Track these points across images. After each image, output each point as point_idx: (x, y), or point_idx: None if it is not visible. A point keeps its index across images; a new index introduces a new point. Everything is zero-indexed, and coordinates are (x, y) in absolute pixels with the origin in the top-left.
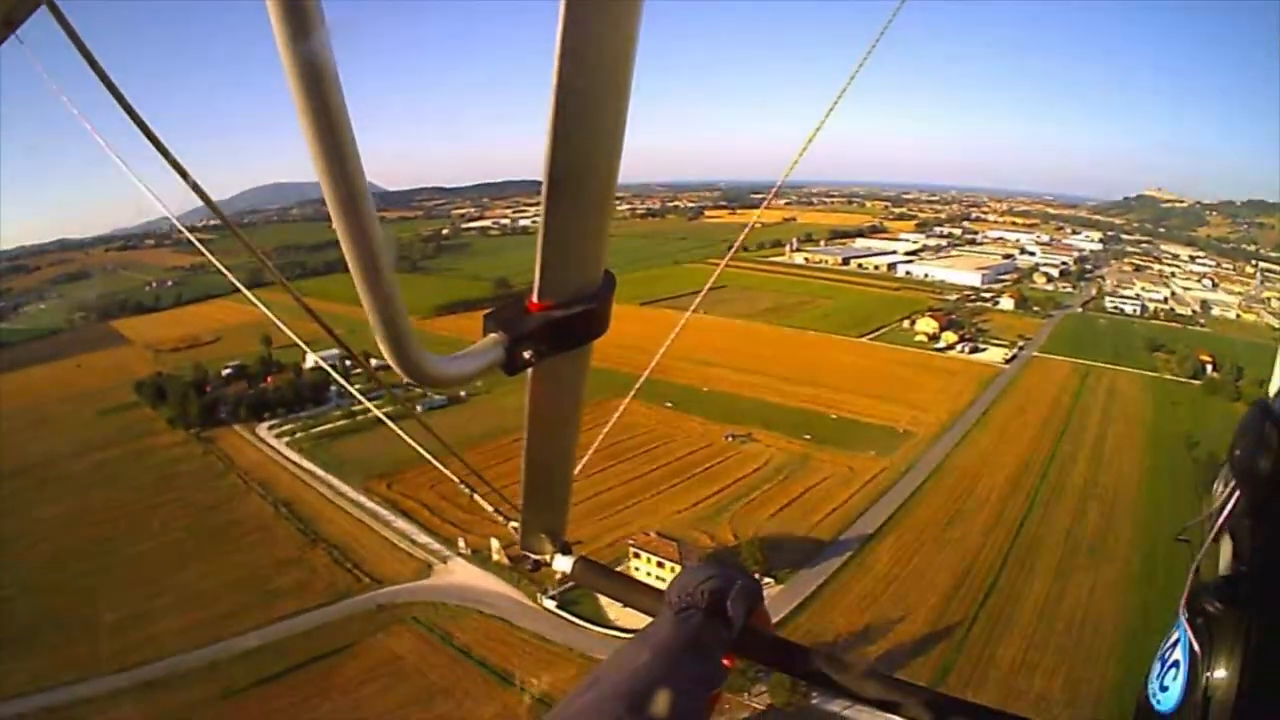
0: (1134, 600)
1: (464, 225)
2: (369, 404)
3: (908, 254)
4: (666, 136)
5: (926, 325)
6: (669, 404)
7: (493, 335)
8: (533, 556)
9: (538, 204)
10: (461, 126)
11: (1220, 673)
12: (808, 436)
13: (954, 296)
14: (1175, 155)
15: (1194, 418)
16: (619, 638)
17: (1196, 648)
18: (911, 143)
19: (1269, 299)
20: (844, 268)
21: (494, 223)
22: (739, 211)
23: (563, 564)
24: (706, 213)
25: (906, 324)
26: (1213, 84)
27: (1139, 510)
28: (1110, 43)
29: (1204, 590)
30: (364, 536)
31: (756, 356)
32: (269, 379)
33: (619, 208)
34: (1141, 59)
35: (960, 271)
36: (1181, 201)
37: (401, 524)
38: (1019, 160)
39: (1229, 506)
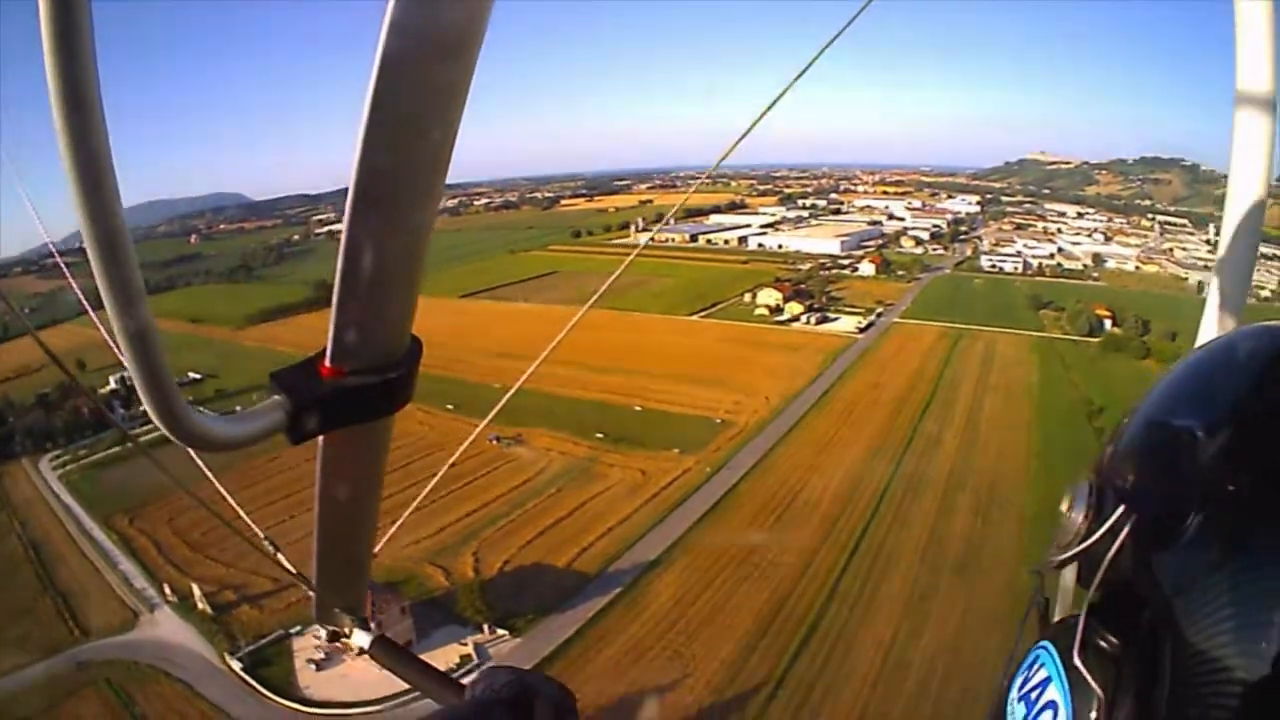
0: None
1: (318, 231)
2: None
3: (763, 227)
4: (533, 130)
5: (769, 297)
6: (450, 406)
7: (276, 398)
8: (330, 628)
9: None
10: (327, 132)
11: (1121, 715)
12: (600, 435)
13: (808, 266)
14: (1062, 118)
15: (1094, 380)
16: (308, 714)
17: (1094, 687)
18: (783, 122)
19: (1171, 249)
20: (691, 245)
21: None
22: (596, 199)
23: (360, 640)
24: (562, 202)
25: (748, 298)
26: (1102, 45)
27: (1025, 506)
28: (990, 10)
29: (1092, 621)
30: (90, 581)
31: (567, 344)
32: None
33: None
34: (1024, 25)
35: (820, 240)
36: (1068, 163)
37: (126, 565)
38: (893, 134)
39: (1122, 533)
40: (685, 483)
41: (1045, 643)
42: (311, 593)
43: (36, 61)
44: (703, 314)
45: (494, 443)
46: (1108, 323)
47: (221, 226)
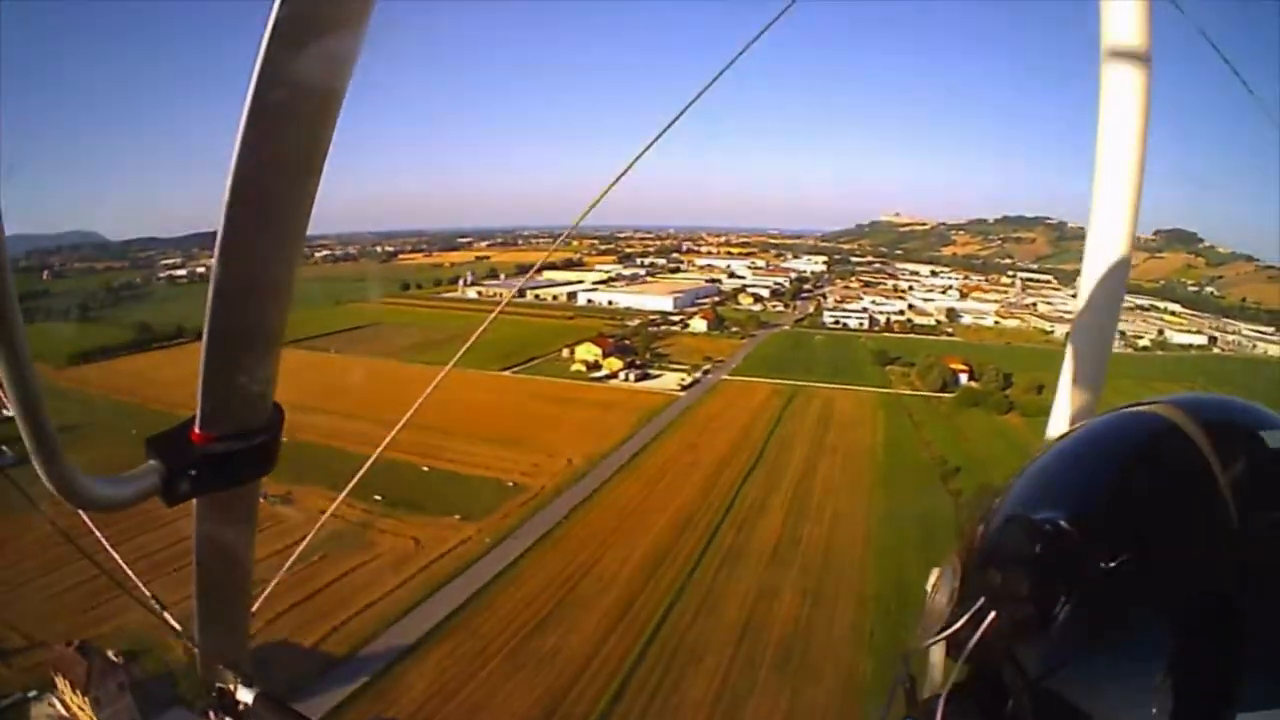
0: None
1: (159, 275)
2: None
3: (596, 283)
4: (380, 185)
5: (587, 353)
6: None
7: (151, 463)
8: (216, 685)
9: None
10: (178, 171)
11: None
12: (378, 497)
13: (637, 322)
14: (916, 181)
15: (948, 438)
16: None
17: None
18: (628, 184)
19: (1035, 304)
20: (518, 299)
21: (187, 271)
22: (435, 254)
23: (245, 695)
24: (401, 257)
25: (566, 353)
26: (960, 105)
27: (865, 585)
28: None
29: (956, 707)
30: None
31: (371, 398)
32: None
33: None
34: (881, 89)
35: (653, 297)
36: (924, 224)
37: None
38: (741, 198)
39: (982, 625)
40: (461, 554)
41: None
42: (195, 648)
43: None
44: (515, 369)
45: (264, 501)
46: (963, 377)
47: (74, 264)
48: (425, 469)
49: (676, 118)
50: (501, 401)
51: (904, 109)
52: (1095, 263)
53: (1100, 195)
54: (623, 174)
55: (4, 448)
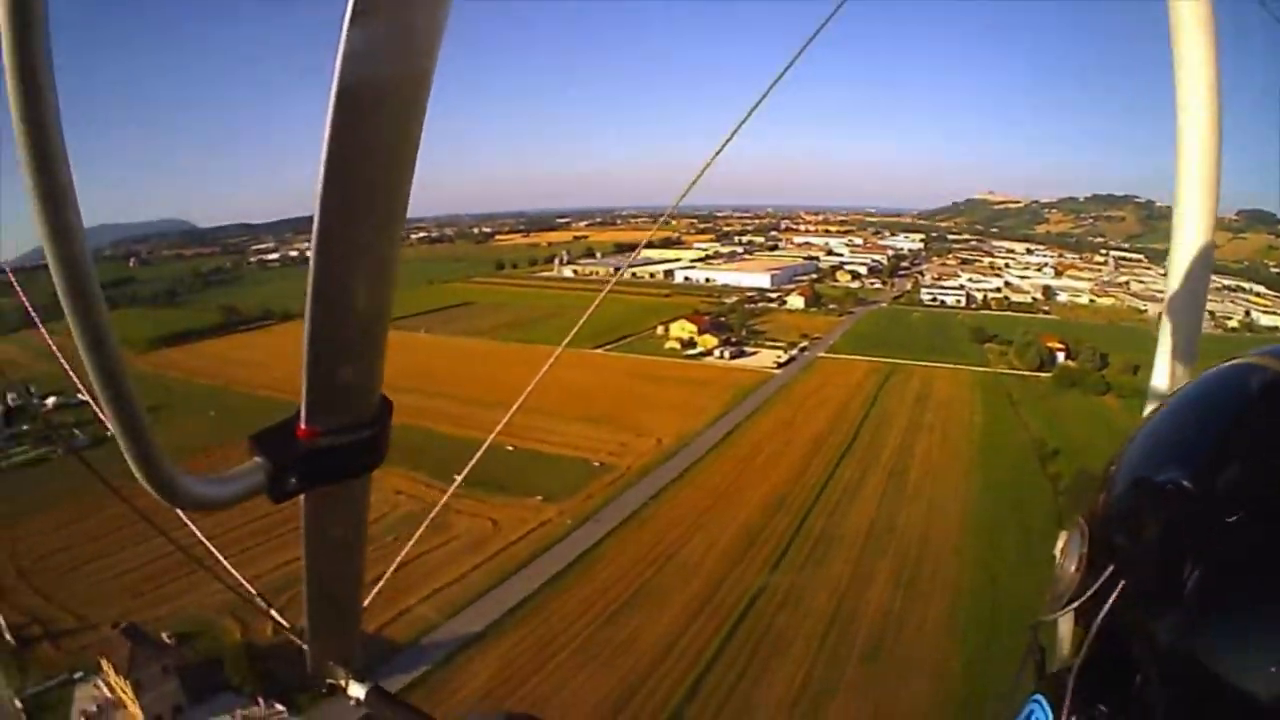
0: None
1: (250, 260)
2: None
3: (694, 261)
4: (478, 168)
5: (682, 330)
6: None
7: (256, 460)
8: (328, 680)
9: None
10: (272, 159)
11: None
12: (457, 477)
13: (733, 300)
14: (1011, 159)
15: (1045, 419)
16: None
17: None
18: (726, 164)
19: (1128, 282)
20: (612, 277)
21: (279, 255)
22: (533, 235)
23: (356, 690)
24: (497, 237)
25: (661, 330)
26: (1053, 86)
27: (963, 573)
28: (940, 52)
29: (1089, 685)
30: None
31: (459, 377)
32: None
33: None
34: (975, 67)
35: (750, 274)
36: (1017, 202)
37: None
38: (839, 178)
39: (1111, 596)
40: (540, 537)
41: (1039, 696)
42: (304, 646)
43: None
44: (609, 347)
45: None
46: (1060, 355)
47: (163, 252)
48: (510, 448)
49: (765, 94)
50: (592, 379)
51: (996, 88)
52: (1182, 243)
53: (1183, 175)
54: (718, 151)
55: (76, 431)
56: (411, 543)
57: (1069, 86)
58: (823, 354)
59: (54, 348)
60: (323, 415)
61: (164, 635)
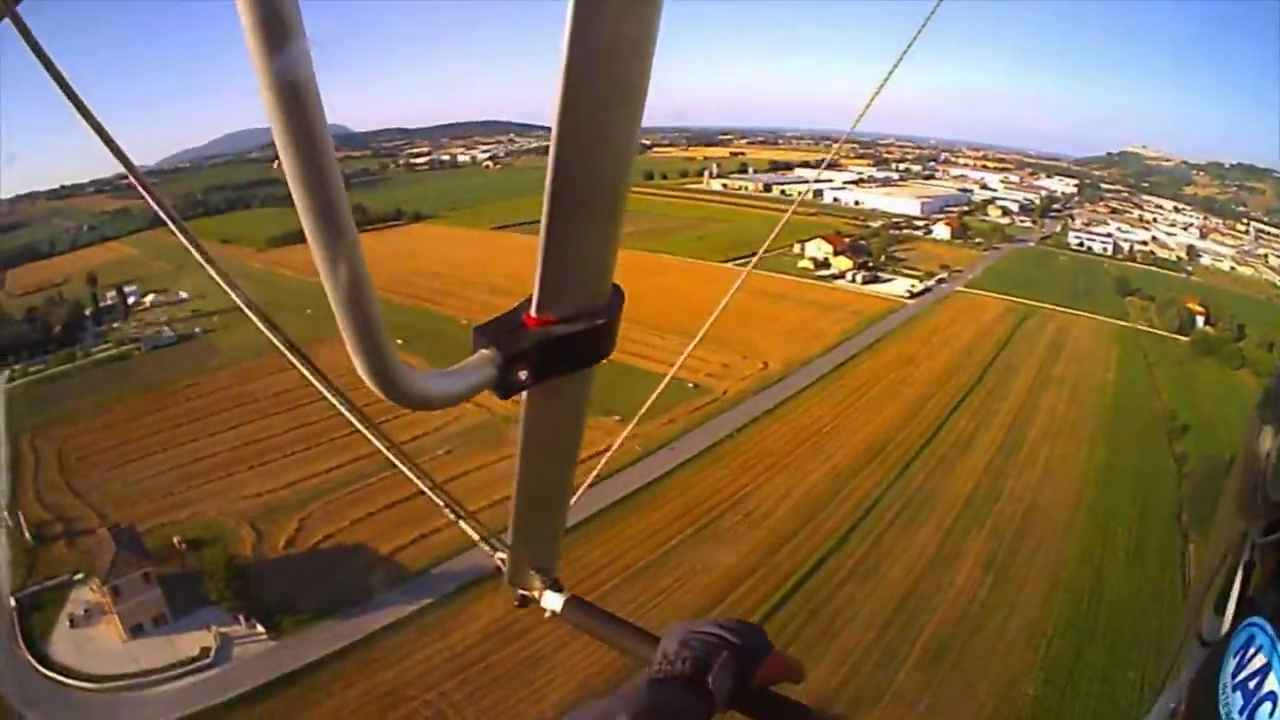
0: None
1: (398, 163)
2: (352, 417)
3: (846, 183)
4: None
5: (818, 249)
6: (400, 341)
7: (484, 352)
8: (520, 592)
9: (494, 144)
10: (433, 65)
11: None
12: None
13: (879, 224)
14: (1164, 113)
15: (1180, 388)
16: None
17: None
18: (894, 94)
19: (1266, 255)
20: (764, 194)
21: (428, 159)
22: (691, 149)
23: (552, 602)
24: (656, 149)
25: (797, 249)
26: (1205, 43)
27: (1065, 565)
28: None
29: None
30: None
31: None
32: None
33: None
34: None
35: (901, 200)
36: (1168, 160)
37: None
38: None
39: None
40: (605, 463)
41: (1258, 620)
42: (502, 555)
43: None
44: (738, 262)
45: None
46: (1200, 320)
47: None
48: (604, 362)
49: (925, 23)
50: (711, 294)
51: (1156, 40)
52: None
53: None
54: (884, 82)
55: (166, 328)
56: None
57: (1234, 50)
58: (960, 288)
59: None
60: (555, 303)
61: (175, 540)
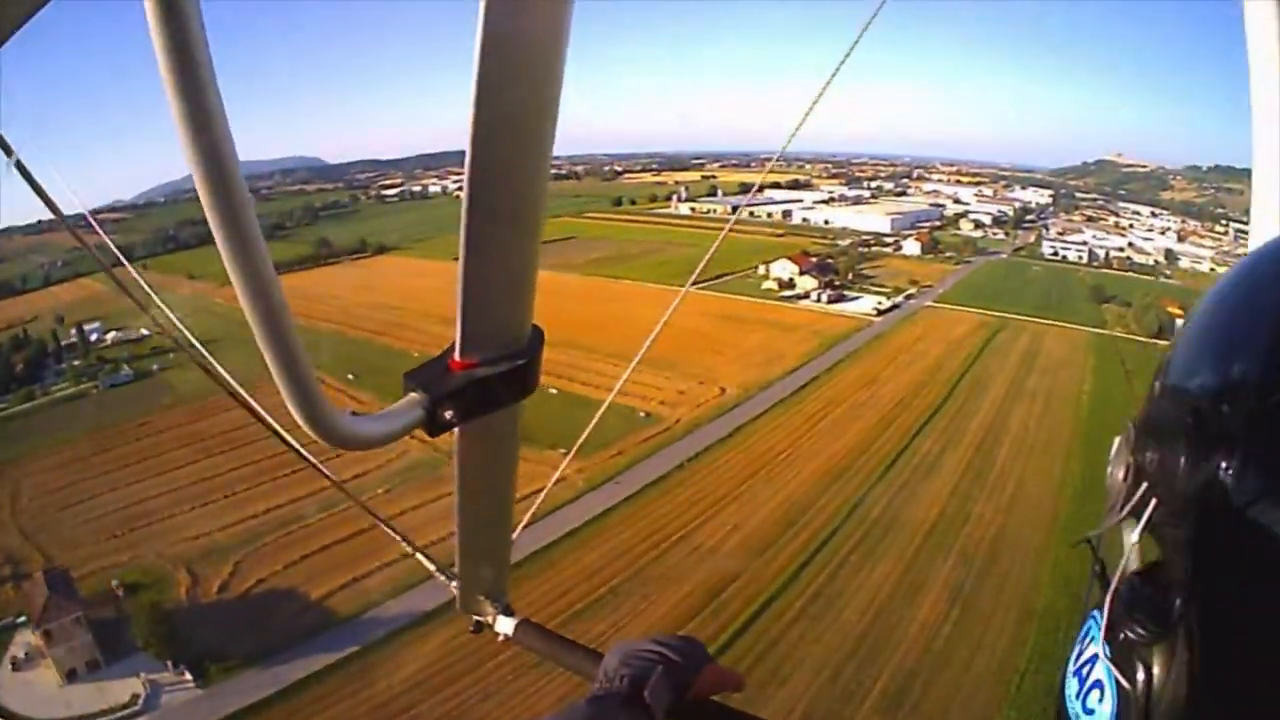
0: None
1: (368, 195)
2: (303, 452)
3: (816, 202)
4: (612, 107)
5: (783, 270)
6: (351, 376)
7: (413, 395)
8: (475, 618)
9: (462, 179)
10: (406, 95)
11: (1161, 706)
12: (563, 451)
13: (848, 242)
14: (1138, 122)
15: None
16: None
17: (1127, 677)
18: (865, 113)
19: (1244, 253)
20: (730, 216)
21: (398, 191)
22: (663, 174)
23: (504, 626)
24: (626, 175)
25: (762, 270)
26: (1173, 49)
27: (1040, 588)
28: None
29: (1129, 602)
30: None
31: (535, 314)
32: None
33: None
34: (1103, 25)
35: (871, 217)
36: (1144, 167)
37: None
38: (976, 132)
39: (1146, 514)
40: (549, 499)
41: (1095, 612)
42: (454, 583)
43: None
44: (702, 286)
45: None
46: (1179, 322)
47: (285, 188)
48: (553, 391)
49: (857, 39)
50: (674, 320)
51: (1134, 50)
52: (1261, 218)
53: (1260, 145)
54: (816, 101)
55: (126, 366)
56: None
57: (1204, 54)
58: (930, 303)
59: (139, 278)
60: (477, 346)
61: (113, 583)
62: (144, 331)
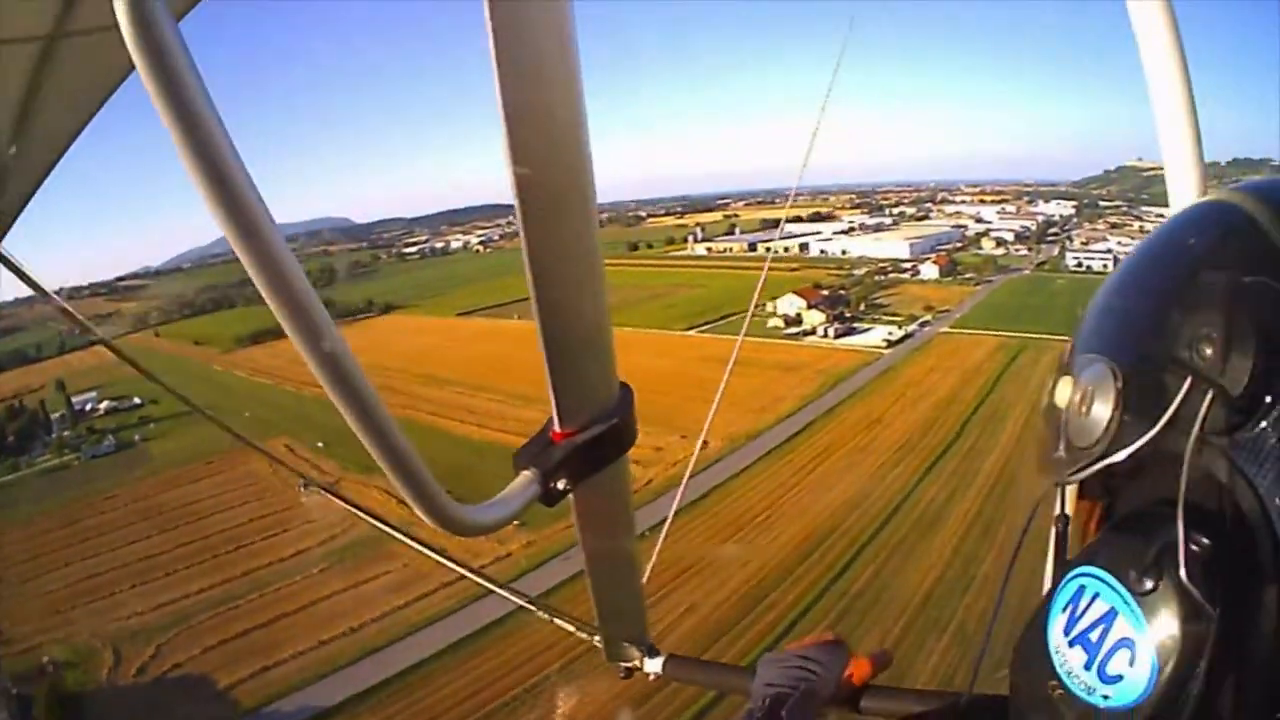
0: None
1: (393, 253)
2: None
3: (834, 233)
4: (641, 154)
5: (790, 305)
6: (321, 444)
7: (525, 474)
8: (623, 665)
9: (492, 226)
10: (433, 151)
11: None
12: (450, 490)
13: (863, 271)
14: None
15: None
16: None
17: (1200, 605)
18: (893, 142)
19: None
20: (749, 254)
21: (419, 249)
22: (685, 216)
23: (653, 666)
24: (650, 219)
25: (771, 307)
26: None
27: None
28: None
29: (1158, 552)
30: None
31: (524, 367)
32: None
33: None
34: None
35: (890, 243)
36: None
37: None
38: (995, 148)
39: (1199, 414)
40: (463, 590)
41: (1089, 568)
42: (596, 638)
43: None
44: (702, 328)
45: (302, 490)
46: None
47: (309, 250)
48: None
49: (838, 66)
50: (662, 367)
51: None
52: (1177, 195)
53: (1166, 141)
54: (817, 127)
55: (110, 436)
56: None
57: (1215, 38)
58: (946, 329)
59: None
60: (572, 416)
61: (44, 660)
62: (136, 400)
